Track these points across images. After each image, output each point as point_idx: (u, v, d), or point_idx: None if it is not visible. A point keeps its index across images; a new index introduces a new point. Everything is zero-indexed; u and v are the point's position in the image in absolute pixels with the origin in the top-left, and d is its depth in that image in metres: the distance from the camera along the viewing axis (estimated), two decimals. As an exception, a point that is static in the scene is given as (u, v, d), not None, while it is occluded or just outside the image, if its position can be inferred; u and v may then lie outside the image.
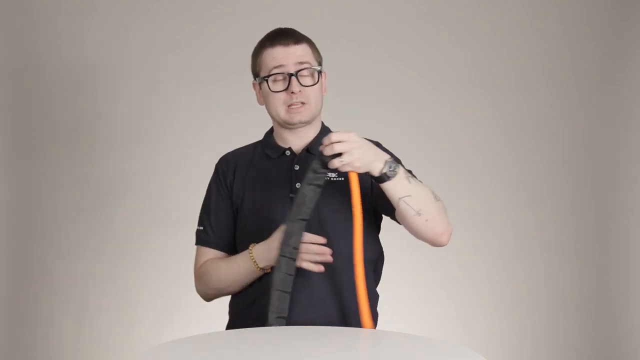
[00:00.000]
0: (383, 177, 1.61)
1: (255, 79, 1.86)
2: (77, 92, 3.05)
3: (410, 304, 3.17)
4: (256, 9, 3.13)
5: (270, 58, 1.79)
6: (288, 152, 1.85)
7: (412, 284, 3.17)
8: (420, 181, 1.72)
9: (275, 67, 1.78)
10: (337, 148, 1.56)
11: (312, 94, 1.79)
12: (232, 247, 1.89)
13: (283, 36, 1.80)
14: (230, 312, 1.94)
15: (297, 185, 1.80)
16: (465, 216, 3.25)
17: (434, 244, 1.74)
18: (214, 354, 1.42)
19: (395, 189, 1.63)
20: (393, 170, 1.61)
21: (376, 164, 1.60)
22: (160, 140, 3.09)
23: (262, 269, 1.75)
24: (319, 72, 1.82)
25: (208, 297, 1.91)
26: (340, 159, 1.57)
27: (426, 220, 1.67)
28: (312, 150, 1.84)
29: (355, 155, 1.56)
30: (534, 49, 3.30)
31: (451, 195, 3.21)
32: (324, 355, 1.39)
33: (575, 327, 3.32)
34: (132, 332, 3.04)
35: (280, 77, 1.78)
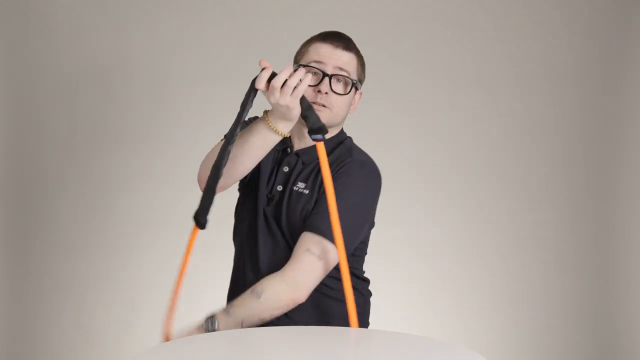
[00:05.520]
0: (209, 326, 1.66)
1: (293, 65, 1.83)
2: (77, 93, 3.05)
3: (410, 303, 3.17)
4: (255, 9, 3.13)
5: (314, 52, 1.78)
6: (289, 150, 1.84)
7: (412, 284, 3.17)
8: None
9: (315, 62, 1.76)
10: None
11: (338, 102, 1.77)
12: None
13: (336, 38, 1.79)
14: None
15: (279, 187, 1.79)
16: (466, 216, 3.25)
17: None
18: (214, 354, 1.42)
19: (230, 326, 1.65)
20: (213, 324, 1.64)
21: None
22: (161, 140, 3.09)
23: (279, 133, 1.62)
24: (354, 87, 1.80)
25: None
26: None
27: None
28: (302, 156, 1.81)
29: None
30: (534, 49, 3.29)
31: (452, 195, 3.24)
32: (324, 355, 1.39)
33: (575, 327, 3.32)
34: (132, 332, 3.04)
35: (314, 72, 1.75)
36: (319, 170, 1.77)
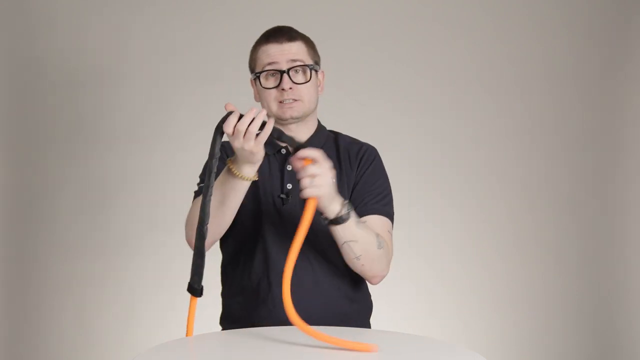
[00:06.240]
0: (337, 220, 1.60)
1: (251, 76, 1.86)
2: (76, 92, 3.05)
3: (410, 303, 3.17)
4: (255, 9, 3.13)
5: (264, 55, 1.80)
6: (283, 151, 1.85)
7: (412, 284, 3.17)
8: (365, 225, 1.70)
9: (268, 64, 1.78)
10: (311, 169, 1.54)
11: (304, 91, 1.79)
12: None
13: (278, 34, 1.81)
14: (223, 298, 1.92)
15: (289, 185, 1.80)
16: (466, 216, 3.25)
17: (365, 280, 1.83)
18: (214, 354, 1.42)
19: (344, 233, 1.63)
20: (348, 214, 1.61)
21: (334, 205, 1.60)
22: (160, 140, 3.09)
23: (245, 177, 1.61)
24: (313, 70, 1.81)
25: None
26: (312, 181, 1.53)
27: (362, 264, 1.70)
28: None
29: (325, 181, 1.54)
30: (534, 49, 3.29)
31: (452, 195, 3.24)
32: (324, 355, 1.39)
33: (575, 327, 3.32)
34: (132, 332, 3.04)
35: (272, 73, 1.78)
36: (335, 156, 1.83)
